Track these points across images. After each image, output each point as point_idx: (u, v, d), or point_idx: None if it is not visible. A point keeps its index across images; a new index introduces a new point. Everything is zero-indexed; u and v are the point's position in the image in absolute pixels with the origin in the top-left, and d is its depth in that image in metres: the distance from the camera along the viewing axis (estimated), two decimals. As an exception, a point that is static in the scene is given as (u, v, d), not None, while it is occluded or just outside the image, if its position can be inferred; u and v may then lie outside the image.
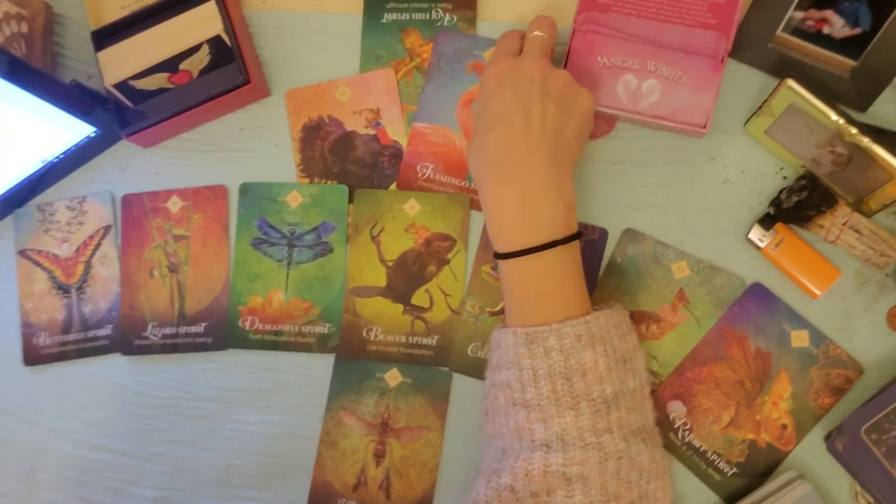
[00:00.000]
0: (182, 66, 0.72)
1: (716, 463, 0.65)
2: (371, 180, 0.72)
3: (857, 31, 0.64)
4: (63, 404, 0.73)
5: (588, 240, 0.69)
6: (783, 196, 0.66)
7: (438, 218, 0.71)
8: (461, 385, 0.69)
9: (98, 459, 0.72)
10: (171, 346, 0.72)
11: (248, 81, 0.71)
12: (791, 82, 0.62)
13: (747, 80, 0.69)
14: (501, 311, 0.69)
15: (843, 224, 0.64)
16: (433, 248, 0.70)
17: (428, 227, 0.71)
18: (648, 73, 0.67)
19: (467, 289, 0.70)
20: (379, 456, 0.69)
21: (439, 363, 0.69)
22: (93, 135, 0.73)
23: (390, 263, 0.71)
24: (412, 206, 0.71)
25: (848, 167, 0.63)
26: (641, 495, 0.55)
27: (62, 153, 0.73)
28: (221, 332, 0.72)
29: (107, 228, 0.75)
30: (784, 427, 0.64)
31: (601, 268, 0.68)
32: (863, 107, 0.66)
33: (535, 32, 0.64)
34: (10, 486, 0.73)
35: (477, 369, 0.68)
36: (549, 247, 0.57)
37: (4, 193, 0.74)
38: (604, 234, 0.69)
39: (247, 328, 0.72)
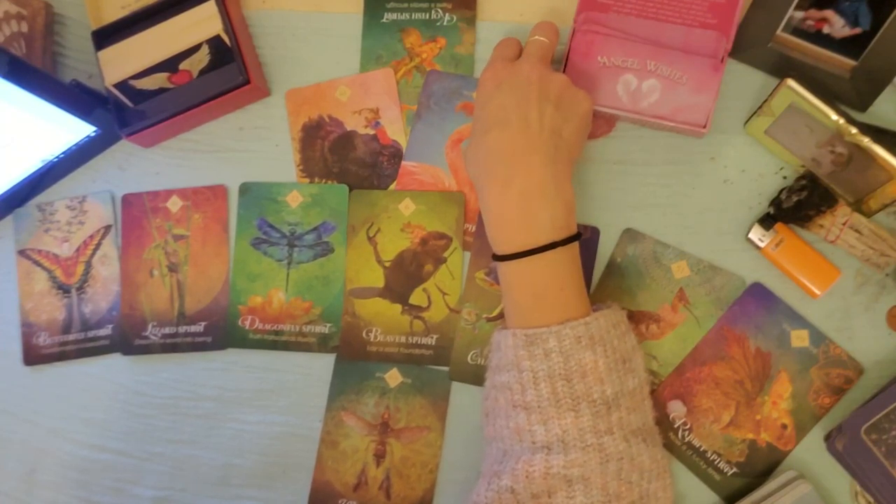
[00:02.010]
0: (182, 66, 0.72)
1: (716, 463, 0.65)
2: (371, 180, 0.72)
3: (857, 30, 0.64)
4: (63, 404, 0.73)
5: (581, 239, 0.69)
6: (783, 196, 0.66)
7: (434, 217, 0.71)
8: (461, 385, 0.69)
9: (98, 459, 0.72)
10: (171, 346, 0.72)
11: (248, 81, 0.71)
12: (791, 82, 0.62)
13: (747, 80, 0.69)
14: (499, 317, 0.69)
15: (843, 224, 0.64)
16: (429, 248, 0.70)
17: (423, 226, 0.71)
18: (648, 73, 0.67)
19: (463, 295, 0.70)
20: (379, 456, 0.69)
21: (439, 362, 0.69)
22: (93, 134, 0.73)
23: (387, 264, 0.71)
24: (407, 206, 0.71)
25: (848, 167, 0.63)
26: (642, 495, 0.55)
27: (62, 153, 0.73)
28: (221, 331, 0.72)
29: (107, 228, 0.75)
30: (784, 427, 0.64)
31: (595, 267, 0.68)
32: (863, 107, 0.66)
33: (536, 37, 0.64)
34: (10, 486, 0.73)
35: (478, 377, 0.68)
36: (549, 248, 0.57)
37: (4, 193, 0.74)
38: (596, 232, 0.69)
39: (247, 328, 0.72)
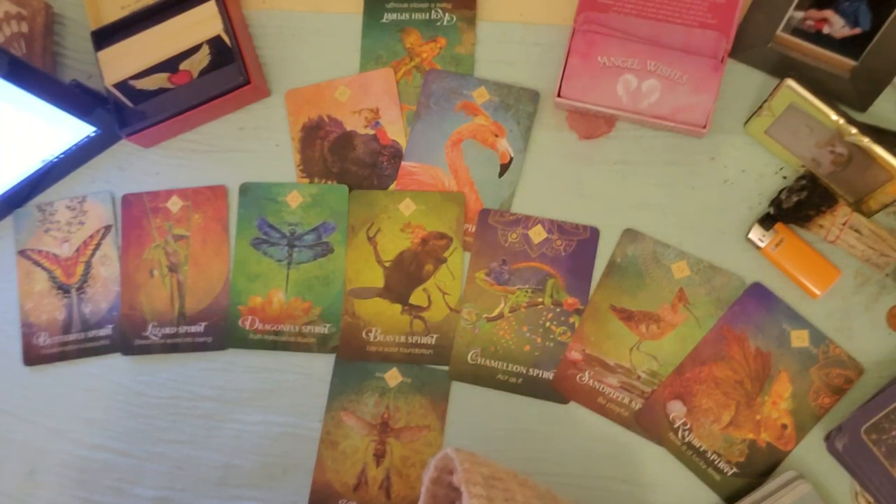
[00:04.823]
0: (182, 66, 0.72)
1: (716, 463, 0.65)
2: (371, 180, 0.72)
3: (857, 31, 0.64)
4: (63, 404, 0.73)
5: (580, 240, 0.69)
6: (783, 196, 0.66)
7: (434, 217, 0.71)
8: (461, 384, 0.69)
9: (98, 459, 0.72)
10: (171, 346, 0.72)
11: (248, 81, 0.71)
12: (791, 82, 0.62)
13: (747, 80, 0.69)
14: (499, 317, 0.69)
15: (843, 224, 0.64)
16: (430, 248, 0.70)
17: (424, 226, 0.71)
18: (648, 73, 0.67)
19: (463, 295, 0.70)
20: (379, 456, 0.69)
21: (439, 362, 0.69)
22: (93, 135, 0.73)
23: (387, 264, 0.71)
24: (407, 206, 0.71)
25: (848, 167, 0.63)
26: None
27: (62, 153, 0.74)
28: (221, 331, 0.72)
29: (107, 228, 0.75)
30: (784, 427, 0.64)
31: (595, 267, 0.68)
32: (863, 107, 0.66)
33: None
34: (10, 486, 0.73)
35: (478, 376, 0.68)
36: None
37: (4, 193, 0.74)
38: (596, 232, 0.69)
39: (247, 328, 0.72)
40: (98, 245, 0.75)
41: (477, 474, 0.51)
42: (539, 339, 0.68)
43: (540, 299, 0.69)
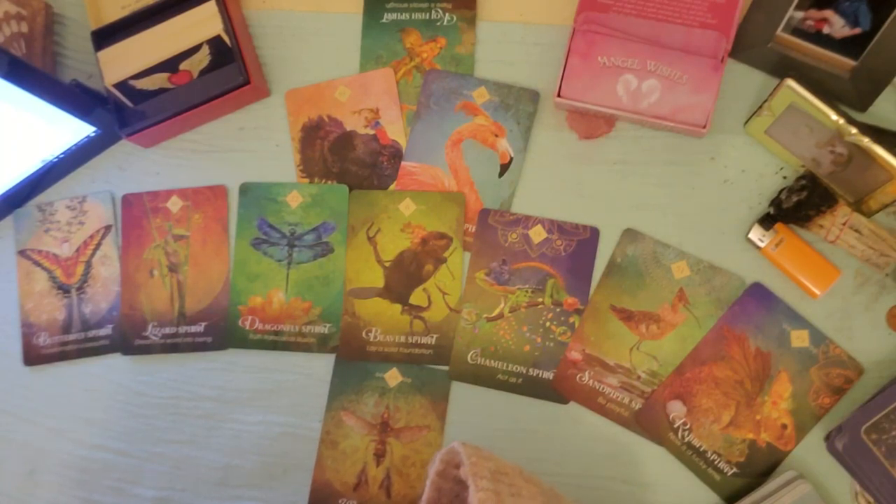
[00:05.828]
0: (182, 66, 0.72)
1: (716, 463, 0.65)
2: (371, 180, 0.72)
3: (857, 31, 0.64)
4: (63, 404, 0.73)
5: (580, 239, 0.69)
6: (783, 196, 0.66)
7: (434, 217, 0.71)
8: (461, 384, 0.69)
9: (98, 459, 0.72)
10: (171, 346, 0.72)
11: (248, 81, 0.71)
12: (791, 82, 0.62)
13: (747, 80, 0.69)
14: (499, 317, 0.69)
15: (843, 224, 0.64)
16: (430, 248, 0.70)
17: (424, 226, 0.71)
18: (648, 73, 0.67)
19: (463, 295, 0.70)
20: (379, 455, 0.69)
21: (439, 362, 0.69)
22: (93, 135, 0.73)
23: (387, 264, 0.71)
24: (407, 206, 0.71)
25: (848, 167, 0.63)
26: None
27: (62, 153, 0.74)
28: (221, 331, 0.72)
29: (107, 228, 0.75)
30: (784, 427, 0.64)
31: (595, 267, 0.68)
32: (863, 107, 0.66)
33: None
34: (10, 486, 0.73)
35: (478, 376, 0.68)
36: None
37: (4, 193, 0.74)
38: (596, 232, 0.69)
39: (247, 328, 0.72)
40: (98, 245, 0.75)
41: (484, 468, 0.51)
42: (539, 339, 0.68)
43: (540, 299, 0.69)
